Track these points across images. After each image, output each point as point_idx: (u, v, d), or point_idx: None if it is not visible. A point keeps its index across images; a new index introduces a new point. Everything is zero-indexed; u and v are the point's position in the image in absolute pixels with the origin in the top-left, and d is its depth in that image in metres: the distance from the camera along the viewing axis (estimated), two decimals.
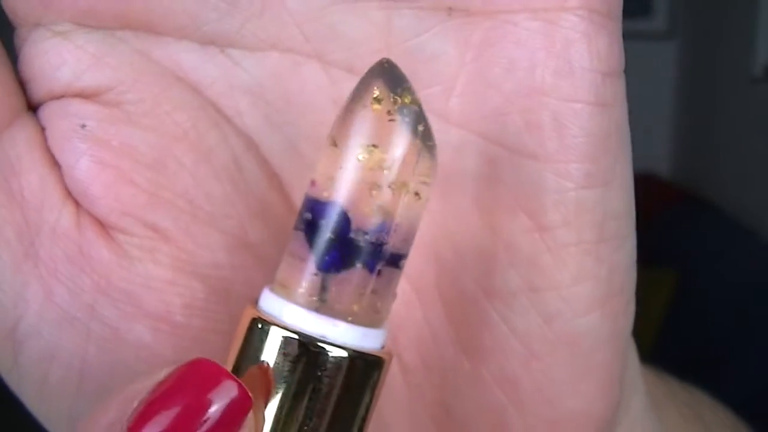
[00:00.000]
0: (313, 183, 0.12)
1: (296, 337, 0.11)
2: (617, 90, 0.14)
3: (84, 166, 0.14)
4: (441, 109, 0.14)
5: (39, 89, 0.14)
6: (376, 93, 0.12)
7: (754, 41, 1.13)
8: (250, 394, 0.11)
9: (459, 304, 0.15)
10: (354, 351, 0.12)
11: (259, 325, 0.12)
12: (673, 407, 0.21)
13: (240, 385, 0.11)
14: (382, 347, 0.12)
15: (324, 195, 0.12)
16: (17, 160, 0.13)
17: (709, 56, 1.32)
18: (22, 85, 0.14)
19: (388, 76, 0.12)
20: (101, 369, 0.14)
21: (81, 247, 0.14)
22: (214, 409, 0.10)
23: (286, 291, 0.12)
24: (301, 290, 0.12)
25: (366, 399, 0.12)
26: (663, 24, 1.57)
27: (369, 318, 0.12)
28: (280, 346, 0.11)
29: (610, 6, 0.13)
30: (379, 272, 0.12)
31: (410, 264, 0.14)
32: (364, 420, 0.12)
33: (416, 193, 0.12)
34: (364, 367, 0.12)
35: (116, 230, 0.14)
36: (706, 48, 1.35)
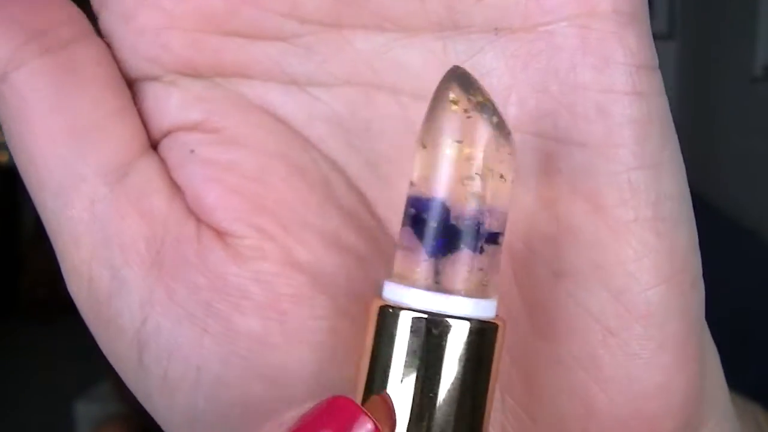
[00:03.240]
0: (411, 183, 0.14)
1: (423, 315, 0.13)
2: (652, 81, 0.15)
3: (197, 183, 0.16)
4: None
5: (153, 128, 0.16)
6: (452, 96, 0.14)
7: (754, 41, 1.13)
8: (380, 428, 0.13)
9: (533, 291, 0.16)
10: (472, 320, 0.14)
11: (390, 310, 0.14)
12: (744, 421, 0.21)
13: (374, 422, 0.13)
14: (496, 315, 0.14)
15: (423, 191, 0.14)
16: (148, 184, 0.16)
17: (709, 56, 1.32)
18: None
19: (461, 80, 0.14)
20: (216, 360, 0.15)
21: (200, 252, 0.16)
22: None
23: (404, 280, 0.14)
24: (418, 276, 0.14)
25: (489, 361, 0.14)
26: (663, 24, 1.57)
27: (480, 291, 0.14)
28: (411, 325, 0.13)
29: (635, 7, 0.15)
30: (482, 250, 0.14)
31: None
32: (489, 380, 0.14)
33: (501, 176, 0.14)
34: (483, 333, 0.14)
35: (229, 235, 0.16)
36: (706, 48, 1.35)
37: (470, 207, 0.14)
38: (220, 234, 0.16)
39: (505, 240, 0.16)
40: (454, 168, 0.14)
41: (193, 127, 0.16)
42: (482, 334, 0.14)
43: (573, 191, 0.15)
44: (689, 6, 1.44)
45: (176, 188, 0.16)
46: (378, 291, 0.15)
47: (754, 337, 0.69)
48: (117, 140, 0.16)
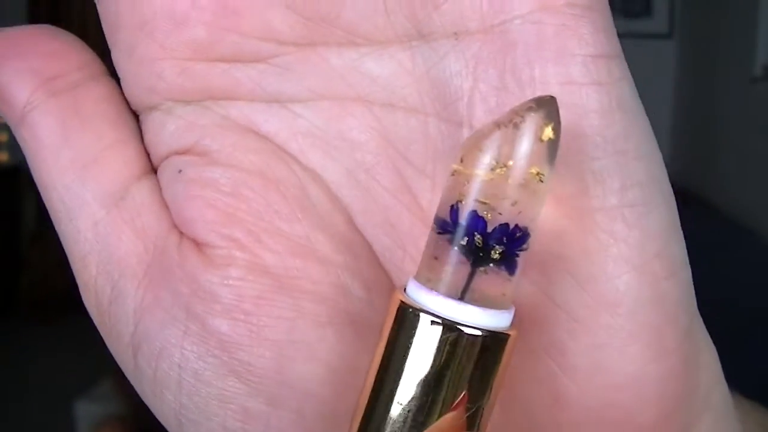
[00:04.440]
0: (449, 190, 0.15)
1: (438, 321, 0.14)
2: (612, 70, 0.15)
3: (180, 200, 0.17)
4: (467, 117, 0.16)
5: (153, 154, 0.18)
6: (505, 119, 0.14)
7: (754, 41, 1.13)
8: None
9: None
10: (487, 331, 0.14)
11: (410, 310, 0.14)
12: (750, 424, 0.21)
13: None
14: (511, 325, 0.15)
15: (461, 203, 0.14)
16: (141, 205, 0.18)
17: (709, 56, 1.32)
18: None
19: (531, 103, 0.14)
20: (195, 360, 0.17)
21: (180, 263, 0.17)
22: None
23: (430, 282, 0.15)
24: (443, 282, 0.14)
25: (495, 371, 0.15)
26: (663, 24, 1.57)
27: (500, 302, 0.15)
28: (426, 329, 0.14)
29: None
30: (512, 263, 0.14)
31: None
32: (493, 387, 0.15)
33: (536, 189, 0.14)
34: (494, 344, 0.14)
35: (204, 245, 0.17)
36: (706, 48, 1.35)
37: (504, 220, 0.14)
38: (198, 245, 0.17)
39: None
40: (490, 182, 0.14)
41: (185, 151, 0.18)
42: (493, 346, 0.14)
43: None
44: (689, 6, 1.44)
45: (165, 208, 0.18)
46: (403, 285, 0.15)
47: (754, 335, 0.69)
48: (114, 169, 0.18)
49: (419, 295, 0.15)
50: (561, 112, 0.15)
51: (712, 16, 1.32)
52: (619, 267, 0.15)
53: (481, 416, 0.15)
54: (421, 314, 0.14)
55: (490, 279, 0.15)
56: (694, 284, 0.17)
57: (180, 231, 0.18)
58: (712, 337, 0.18)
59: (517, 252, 0.15)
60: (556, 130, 0.14)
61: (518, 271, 0.15)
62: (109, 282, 0.18)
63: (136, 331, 0.17)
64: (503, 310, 0.15)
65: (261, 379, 0.17)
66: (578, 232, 0.15)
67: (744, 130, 1.16)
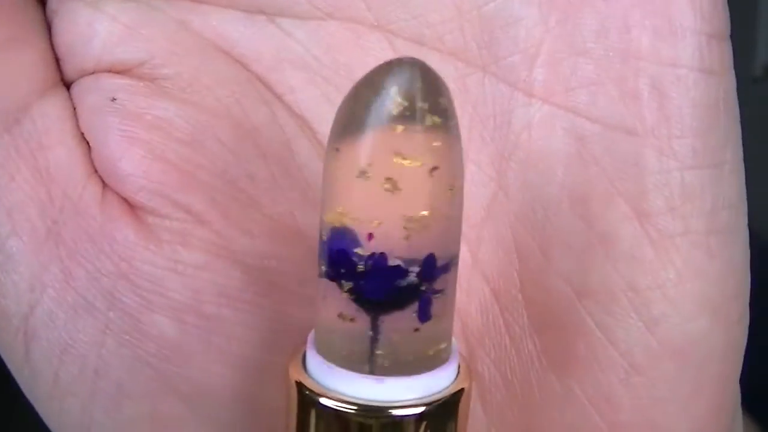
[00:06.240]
0: (326, 219, 0.10)
1: (352, 409, 0.10)
2: (724, 56, 0.12)
3: (113, 140, 0.13)
4: (522, 81, 0.12)
5: (71, 66, 0.13)
6: (382, 110, 0.10)
7: (754, 41, 1.12)
8: None
9: (547, 309, 0.13)
10: (425, 404, 0.10)
11: (311, 396, 0.10)
12: None
13: None
14: (457, 375, 0.11)
15: (345, 228, 0.10)
16: (45, 133, 0.13)
17: None
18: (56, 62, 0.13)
19: (396, 84, 0.10)
20: (119, 367, 0.13)
21: (103, 226, 0.13)
22: None
23: (331, 354, 0.10)
24: (348, 351, 0.10)
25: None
26: None
27: (433, 355, 0.11)
28: (341, 421, 0.10)
29: None
30: (435, 292, 0.10)
31: (489, 263, 0.13)
32: None
33: (450, 188, 0.10)
34: (441, 415, 0.11)
35: (145, 211, 0.13)
36: None
37: (411, 247, 0.10)
38: (132, 206, 0.13)
39: (517, 242, 0.13)
40: (386, 198, 0.10)
41: (122, 70, 0.13)
42: (440, 417, 0.11)
43: (611, 189, 0.12)
44: None
45: (81, 141, 0.13)
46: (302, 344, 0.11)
47: (752, 336, 0.69)
48: (7, 78, 0.13)
49: (321, 373, 0.10)
50: (658, 101, 0.12)
51: None
52: (695, 309, 0.12)
53: None
54: (328, 402, 0.10)
55: (402, 329, 0.10)
56: None
57: (103, 180, 0.13)
58: None
59: (426, 277, 0.10)
60: (430, 93, 0.10)
61: (443, 298, 0.10)
62: None
63: (33, 314, 0.13)
64: (436, 370, 0.10)
65: (216, 404, 0.12)
66: (656, 260, 0.12)
67: (744, 130, 1.15)
